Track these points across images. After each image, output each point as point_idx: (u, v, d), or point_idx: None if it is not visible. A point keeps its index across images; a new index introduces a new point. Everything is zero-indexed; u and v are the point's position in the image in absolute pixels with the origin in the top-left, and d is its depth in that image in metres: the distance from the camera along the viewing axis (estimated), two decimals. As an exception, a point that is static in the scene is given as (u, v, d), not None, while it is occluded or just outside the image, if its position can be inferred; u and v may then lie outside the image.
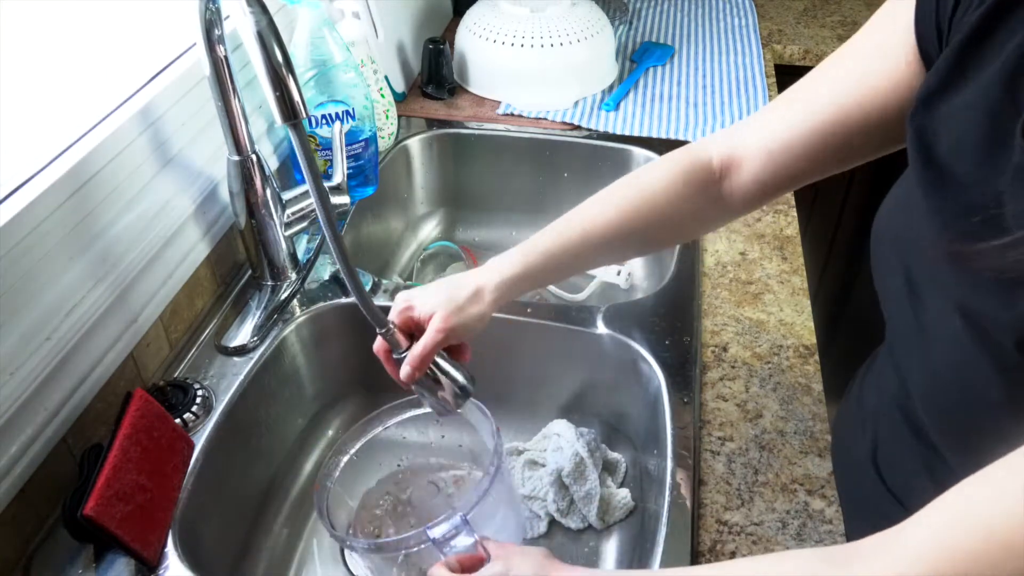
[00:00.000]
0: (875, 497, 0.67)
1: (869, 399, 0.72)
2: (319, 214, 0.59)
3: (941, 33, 0.54)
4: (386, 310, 0.68)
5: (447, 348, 0.70)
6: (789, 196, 1.09)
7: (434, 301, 0.67)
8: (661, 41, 1.48)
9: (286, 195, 0.87)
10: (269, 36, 0.58)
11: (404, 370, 0.67)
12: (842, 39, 1.56)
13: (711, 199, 0.70)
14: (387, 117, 1.15)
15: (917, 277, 0.54)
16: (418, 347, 0.66)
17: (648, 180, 0.70)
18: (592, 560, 0.83)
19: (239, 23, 0.59)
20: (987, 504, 0.39)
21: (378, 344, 0.69)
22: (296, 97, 0.58)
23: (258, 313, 0.87)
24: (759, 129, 0.67)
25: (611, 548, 0.83)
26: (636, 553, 0.80)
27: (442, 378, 0.69)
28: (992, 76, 0.49)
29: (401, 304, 0.68)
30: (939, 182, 0.52)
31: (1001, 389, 0.47)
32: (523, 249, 0.70)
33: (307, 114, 0.59)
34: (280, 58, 0.58)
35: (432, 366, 0.68)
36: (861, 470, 0.69)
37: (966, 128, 0.50)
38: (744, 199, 0.70)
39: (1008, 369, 0.46)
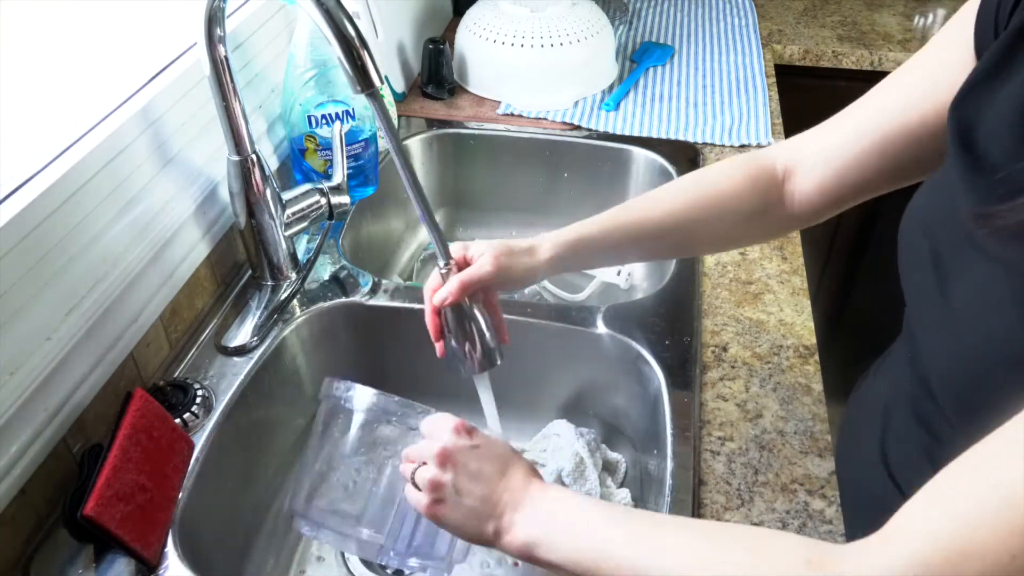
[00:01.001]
0: (881, 493, 0.67)
1: (880, 392, 0.72)
2: (396, 161, 0.64)
3: (998, 32, 0.55)
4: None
5: (488, 303, 0.71)
6: (789, 196, 1.09)
7: (490, 244, 0.68)
8: (661, 41, 1.48)
9: (286, 195, 0.87)
10: (338, 10, 0.62)
11: (440, 293, 0.67)
12: (842, 39, 1.57)
13: (773, 202, 0.70)
14: (387, 117, 1.15)
15: (946, 257, 0.54)
16: (463, 274, 0.66)
17: (712, 175, 0.71)
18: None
19: (302, 3, 0.62)
20: (966, 517, 0.39)
21: (432, 281, 0.69)
22: (371, 67, 0.62)
23: (258, 313, 0.87)
24: (824, 137, 0.68)
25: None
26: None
27: (474, 330, 0.68)
28: None
29: (459, 247, 0.69)
30: (975, 165, 0.52)
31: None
32: (580, 223, 0.70)
33: (382, 81, 0.63)
34: (352, 31, 0.62)
35: (468, 313, 0.68)
36: (869, 464, 0.69)
37: (1005, 114, 0.51)
38: (807, 206, 0.70)
39: None
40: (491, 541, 0.55)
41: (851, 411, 0.79)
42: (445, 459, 0.56)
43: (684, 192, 0.71)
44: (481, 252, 0.68)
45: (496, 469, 0.56)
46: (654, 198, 0.71)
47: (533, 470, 0.58)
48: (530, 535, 0.53)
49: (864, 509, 0.70)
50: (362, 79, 0.63)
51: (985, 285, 0.51)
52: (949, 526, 0.40)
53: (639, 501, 0.85)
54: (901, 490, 0.65)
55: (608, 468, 0.87)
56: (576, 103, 1.27)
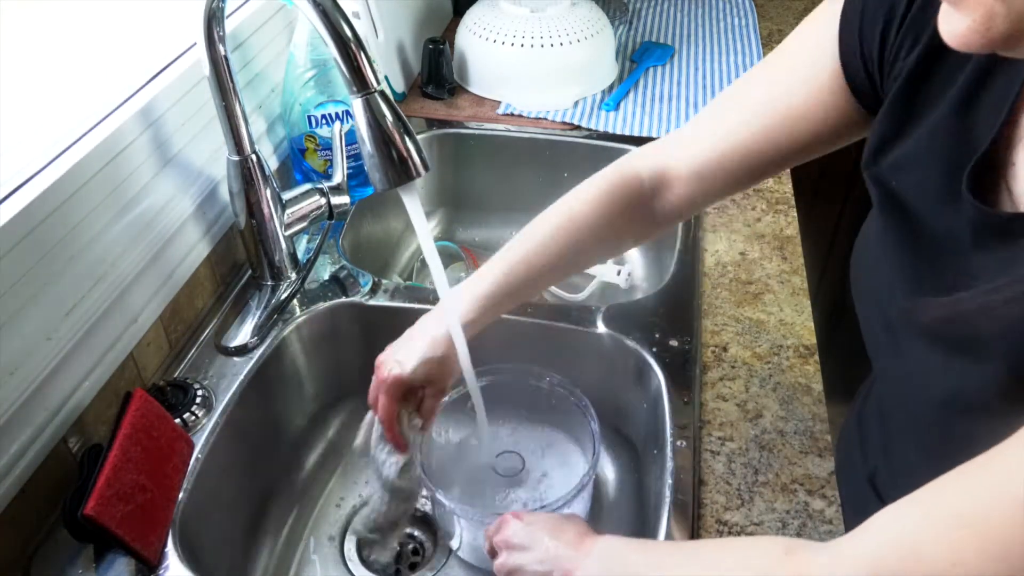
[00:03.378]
0: (870, 505, 0.67)
1: (868, 424, 0.73)
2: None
3: (870, 70, 0.55)
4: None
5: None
6: (789, 196, 1.09)
7: (412, 360, 0.72)
8: (661, 41, 1.48)
9: (286, 195, 0.87)
10: (335, 10, 0.62)
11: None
12: (842, 39, 1.57)
13: (641, 217, 0.73)
14: (387, 117, 1.15)
15: (893, 325, 0.55)
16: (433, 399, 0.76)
17: (579, 206, 0.71)
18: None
19: (299, 3, 0.63)
20: (917, 528, 0.41)
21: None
22: (368, 69, 0.63)
23: (258, 313, 0.87)
24: (689, 146, 0.69)
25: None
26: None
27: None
28: (940, 119, 0.49)
29: (382, 380, 0.73)
30: (908, 235, 0.53)
31: (973, 425, 0.48)
32: (472, 285, 0.72)
33: (379, 84, 0.64)
34: (348, 32, 0.62)
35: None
36: (862, 489, 0.70)
37: (924, 174, 0.51)
38: (673, 215, 0.73)
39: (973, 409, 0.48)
40: None
41: (843, 435, 0.79)
42: (501, 546, 0.64)
43: (554, 228, 0.71)
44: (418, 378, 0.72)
45: (545, 533, 0.62)
46: (534, 241, 0.72)
47: (585, 527, 0.63)
48: None
49: (859, 514, 0.70)
50: (358, 80, 0.62)
51: (929, 366, 0.51)
52: (906, 531, 0.42)
53: (639, 501, 0.85)
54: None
55: None
56: (576, 103, 1.27)
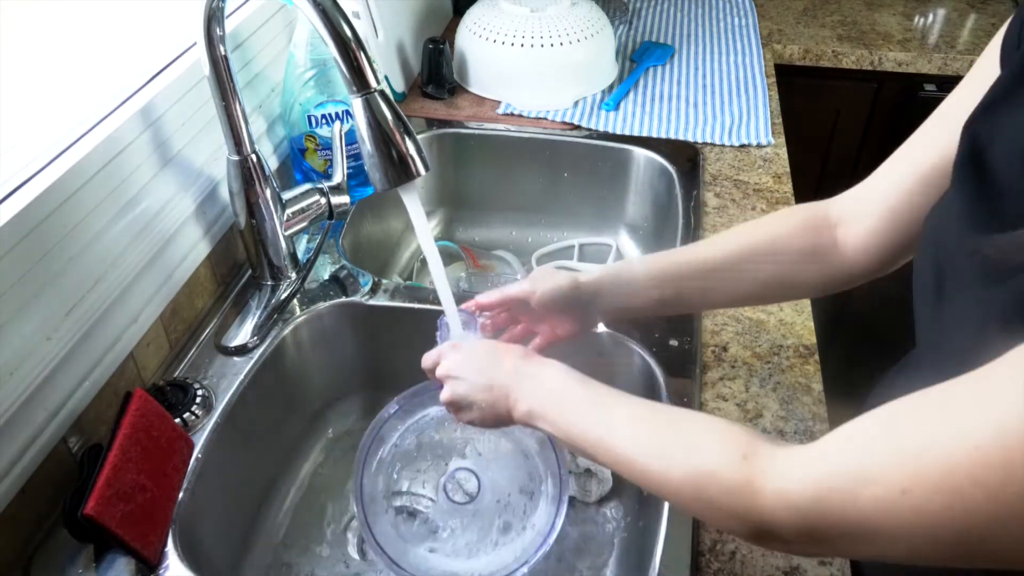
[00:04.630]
0: None
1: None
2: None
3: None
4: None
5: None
6: (789, 196, 1.09)
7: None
8: (661, 41, 1.48)
9: (286, 195, 0.87)
10: (334, 10, 0.63)
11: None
12: (842, 39, 1.57)
13: (826, 245, 0.68)
14: (387, 117, 1.15)
15: (946, 275, 0.54)
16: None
17: (763, 219, 0.72)
18: (594, 558, 0.83)
19: (299, 3, 0.63)
20: (872, 451, 0.42)
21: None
22: (368, 68, 0.63)
23: (258, 313, 0.87)
24: (874, 184, 0.67)
25: (612, 549, 0.83)
26: (636, 552, 0.80)
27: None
28: None
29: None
30: (983, 187, 0.51)
31: None
32: (637, 270, 0.73)
33: (379, 83, 0.65)
34: (348, 31, 0.63)
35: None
36: None
37: (1017, 138, 0.50)
38: (862, 250, 0.67)
39: None
40: (510, 421, 0.63)
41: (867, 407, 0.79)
42: (444, 378, 0.67)
43: (733, 233, 0.71)
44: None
45: (487, 362, 0.65)
46: (704, 240, 0.73)
47: (526, 351, 0.65)
48: (529, 408, 0.61)
49: None
50: (358, 80, 0.63)
51: (969, 305, 0.51)
52: (862, 450, 0.43)
53: (640, 501, 0.85)
54: None
55: None
56: (576, 103, 1.27)
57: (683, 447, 0.52)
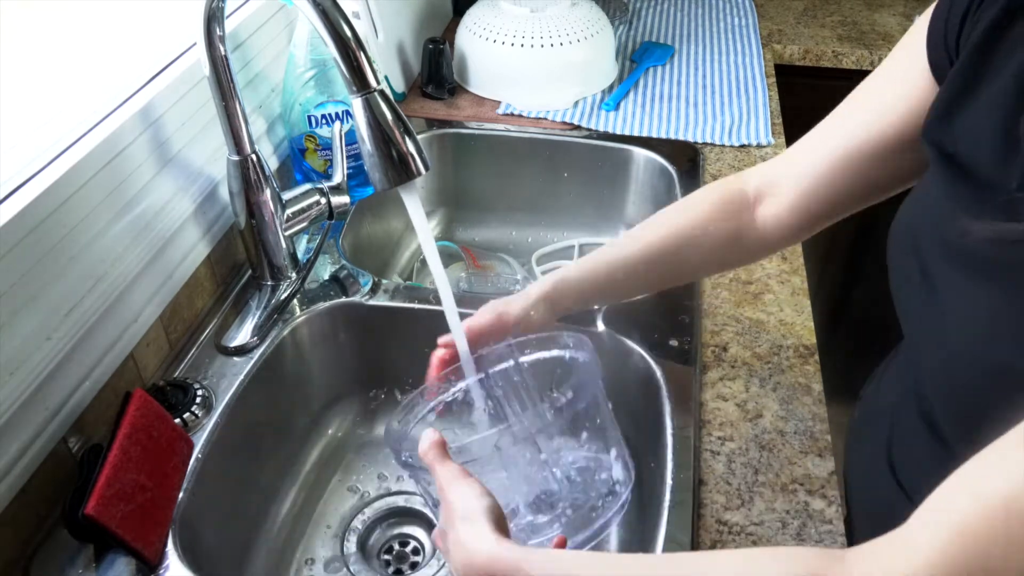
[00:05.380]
0: (886, 494, 0.67)
1: (887, 395, 0.72)
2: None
3: (951, 55, 0.57)
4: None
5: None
6: (789, 196, 1.09)
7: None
8: (661, 41, 1.48)
9: (286, 195, 0.87)
10: (334, 10, 0.62)
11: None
12: (842, 39, 1.57)
13: (745, 226, 0.72)
14: (387, 117, 1.15)
15: (933, 271, 0.55)
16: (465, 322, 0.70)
17: (684, 205, 0.74)
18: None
19: (299, 3, 0.63)
20: (999, 480, 0.39)
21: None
22: (368, 68, 0.63)
23: (258, 313, 0.87)
24: (792, 160, 0.70)
25: (611, 548, 0.83)
26: (636, 551, 0.80)
27: None
28: (1004, 83, 0.51)
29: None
30: (957, 178, 0.54)
31: (1017, 362, 0.47)
32: (566, 266, 0.73)
33: (379, 83, 0.64)
34: (348, 31, 0.62)
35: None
36: (874, 467, 0.69)
37: (981, 133, 0.52)
38: (780, 229, 0.71)
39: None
40: None
41: (858, 415, 0.79)
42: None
43: (658, 226, 0.73)
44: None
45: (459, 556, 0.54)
46: (632, 236, 0.73)
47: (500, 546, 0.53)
48: None
49: (872, 514, 0.70)
50: (358, 80, 0.63)
51: (973, 299, 0.51)
52: (981, 504, 0.39)
53: (639, 501, 0.85)
54: (908, 495, 0.64)
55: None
56: (576, 103, 1.27)
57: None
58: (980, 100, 0.53)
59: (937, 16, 0.58)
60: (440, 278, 0.69)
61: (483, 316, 0.69)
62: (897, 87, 0.61)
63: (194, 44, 0.84)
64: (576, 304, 0.73)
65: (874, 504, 0.70)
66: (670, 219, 0.73)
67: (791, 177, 0.69)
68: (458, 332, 0.72)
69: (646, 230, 0.74)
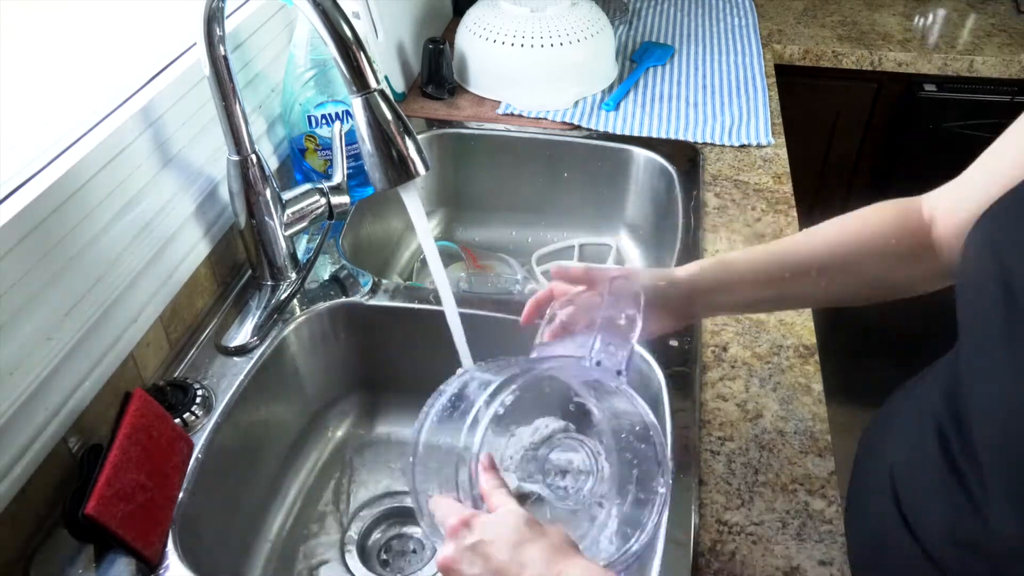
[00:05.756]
0: (887, 524, 0.65)
1: (907, 416, 0.68)
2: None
3: None
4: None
5: None
6: (789, 196, 1.09)
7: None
8: (661, 41, 1.48)
9: (286, 195, 0.87)
10: (334, 10, 0.62)
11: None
12: (842, 39, 1.57)
13: (923, 244, 0.65)
14: (387, 117, 1.15)
15: (1020, 290, 0.48)
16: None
17: (861, 212, 0.68)
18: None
19: (299, 3, 0.63)
20: None
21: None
22: (368, 68, 0.63)
23: (258, 313, 0.87)
24: (961, 187, 0.63)
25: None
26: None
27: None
28: None
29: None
30: None
31: None
32: (739, 266, 0.68)
33: (379, 83, 0.64)
34: (348, 31, 0.63)
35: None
36: (879, 490, 0.67)
37: None
38: (955, 253, 0.62)
39: None
40: None
41: (870, 432, 0.76)
42: (447, 571, 0.52)
43: (833, 226, 0.68)
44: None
45: (507, 557, 0.50)
46: (804, 232, 0.69)
47: (563, 541, 0.51)
48: None
49: (868, 528, 0.69)
50: (358, 80, 0.63)
51: None
52: None
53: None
54: (905, 521, 0.62)
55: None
56: (576, 103, 1.27)
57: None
58: None
59: None
60: (440, 278, 0.69)
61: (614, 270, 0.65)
62: None
63: (194, 44, 0.84)
64: (725, 294, 0.67)
65: (873, 519, 0.69)
66: (846, 225, 0.67)
67: (970, 198, 0.59)
68: (458, 332, 0.72)
69: (819, 231, 0.67)
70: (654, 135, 1.20)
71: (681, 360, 0.82)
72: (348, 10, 1.09)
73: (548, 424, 0.81)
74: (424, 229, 0.68)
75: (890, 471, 0.67)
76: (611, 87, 1.32)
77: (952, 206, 0.62)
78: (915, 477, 0.64)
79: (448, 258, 1.17)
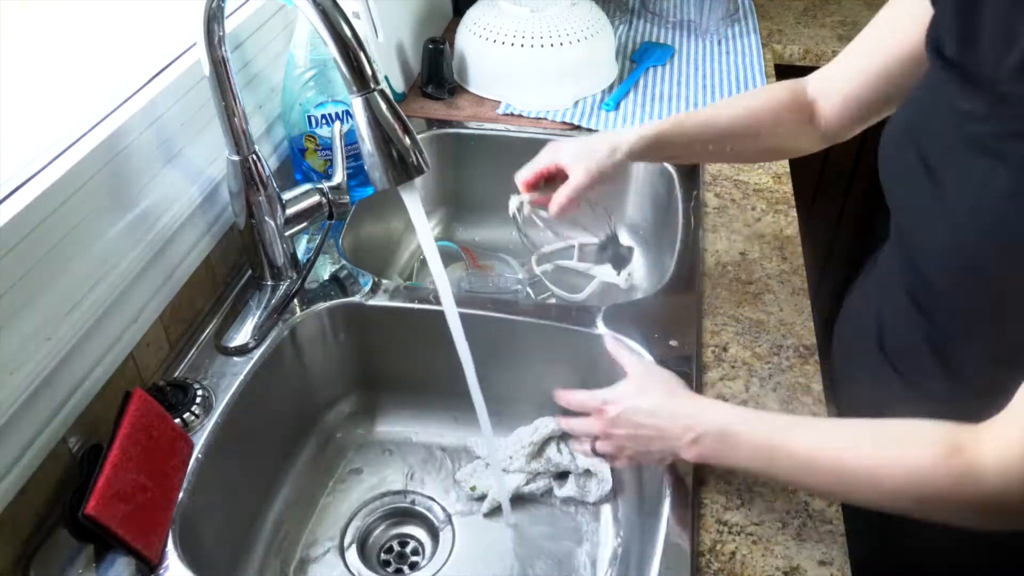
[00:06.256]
0: (875, 368, 0.74)
1: (872, 296, 0.79)
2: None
3: None
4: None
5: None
6: (789, 196, 1.09)
7: (576, 153, 0.86)
8: (661, 41, 1.48)
9: (286, 195, 0.87)
10: (334, 10, 0.63)
11: (554, 206, 0.85)
12: (842, 39, 1.57)
13: (807, 119, 0.85)
14: (387, 117, 1.15)
15: (935, 159, 0.61)
16: (566, 188, 0.84)
17: (763, 92, 0.89)
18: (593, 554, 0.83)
19: (299, 3, 0.63)
20: None
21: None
22: (368, 68, 0.64)
23: (258, 313, 0.87)
24: (837, 71, 0.83)
25: (610, 547, 0.83)
26: (636, 552, 0.80)
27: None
28: None
29: (550, 154, 0.88)
30: (955, 80, 0.60)
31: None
32: (656, 122, 0.87)
33: (379, 83, 0.65)
34: (348, 31, 0.63)
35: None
36: (864, 348, 0.76)
37: (980, 31, 0.57)
38: (833, 124, 0.84)
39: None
40: (683, 458, 0.67)
41: (845, 312, 0.87)
42: (608, 436, 0.72)
43: (741, 101, 0.89)
44: (569, 164, 0.85)
45: (657, 405, 0.68)
46: (716, 106, 0.92)
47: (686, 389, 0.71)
48: (710, 454, 0.65)
49: (861, 394, 0.79)
50: (358, 80, 0.63)
51: (980, 179, 0.56)
52: None
53: (640, 501, 0.85)
54: (895, 368, 0.72)
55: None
56: (576, 103, 1.27)
57: (892, 455, 0.55)
58: (982, 1, 0.57)
59: None
60: (440, 278, 0.69)
61: (577, 180, 0.84)
62: (919, 4, 0.67)
63: (194, 44, 0.84)
64: (653, 159, 0.90)
65: (861, 377, 0.78)
66: (750, 103, 0.87)
67: (841, 79, 0.81)
68: (458, 332, 0.72)
69: (726, 107, 0.89)
70: (654, 135, 1.20)
71: (681, 360, 0.82)
72: (348, 10, 1.09)
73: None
74: (424, 229, 0.68)
75: (878, 339, 0.75)
76: (611, 87, 1.32)
77: (828, 86, 0.84)
78: (895, 331, 0.73)
79: (448, 258, 1.17)
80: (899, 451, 0.54)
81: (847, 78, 0.81)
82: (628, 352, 0.78)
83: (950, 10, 0.62)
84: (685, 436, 0.65)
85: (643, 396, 0.70)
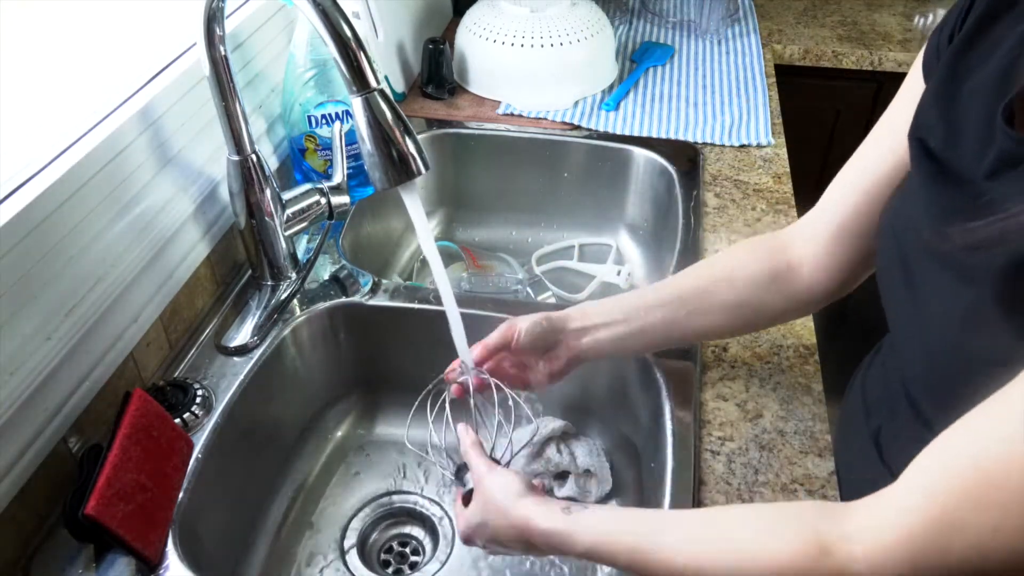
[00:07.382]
0: (873, 475, 0.68)
1: (874, 386, 0.73)
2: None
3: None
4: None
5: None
6: (789, 196, 1.09)
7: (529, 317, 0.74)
8: (661, 41, 1.48)
9: (286, 195, 0.87)
10: (334, 10, 0.62)
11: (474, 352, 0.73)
12: (842, 39, 1.57)
13: (780, 269, 0.72)
14: (387, 117, 1.15)
15: (912, 261, 0.57)
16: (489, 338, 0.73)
17: (724, 251, 0.78)
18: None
19: (299, 3, 0.63)
20: (972, 446, 0.43)
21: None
22: (368, 68, 0.63)
23: (258, 313, 0.87)
24: (824, 204, 0.71)
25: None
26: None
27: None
28: (987, 73, 0.53)
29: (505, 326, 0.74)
30: (936, 176, 0.56)
31: (991, 354, 0.50)
32: (606, 304, 0.75)
33: (379, 83, 0.64)
34: (348, 31, 0.63)
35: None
36: (863, 451, 0.71)
37: (962, 123, 0.54)
38: (819, 271, 0.71)
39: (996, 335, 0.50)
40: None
41: (846, 405, 0.80)
42: (469, 542, 0.67)
43: (694, 267, 0.76)
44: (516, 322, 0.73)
45: (511, 536, 0.62)
46: (671, 276, 0.77)
47: (539, 502, 0.61)
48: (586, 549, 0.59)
49: (859, 493, 0.72)
50: (358, 80, 0.63)
51: (946, 293, 0.54)
52: (938, 501, 0.44)
53: (639, 501, 0.85)
54: (893, 474, 0.67)
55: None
56: (576, 103, 1.27)
57: (754, 553, 0.51)
58: (963, 92, 0.55)
59: (932, 37, 0.61)
60: (440, 278, 0.69)
61: (497, 332, 0.73)
62: (906, 111, 0.62)
63: (194, 44, 0.84)
64: (582, 336, 0.73)
65: (862, 484, 0.71)
66: (697, 267, 0.76)
67: (823, 219, 0.70)
68: (458, 332, 0.72)
69: (680, 275, 0.76)
70: (654, 135, 1.20)
71: (681, 360, 0.82)
72: (348, 10, 1.09)
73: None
74: (424, 229, 0.68)
75: (875, 434, 0.70)
76: (611, 87, 1.32)
77: (808, 230, 0.71)
78: (894, 435, 0.68)
79: (448, 258, 1.17)
80: (762, 550, 0.51)
81: (833, 211, 0.70)
82: (477, 456, 0.68)
83: (935, 88, 0.58)
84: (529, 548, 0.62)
85: (482, 516, 0.64)
